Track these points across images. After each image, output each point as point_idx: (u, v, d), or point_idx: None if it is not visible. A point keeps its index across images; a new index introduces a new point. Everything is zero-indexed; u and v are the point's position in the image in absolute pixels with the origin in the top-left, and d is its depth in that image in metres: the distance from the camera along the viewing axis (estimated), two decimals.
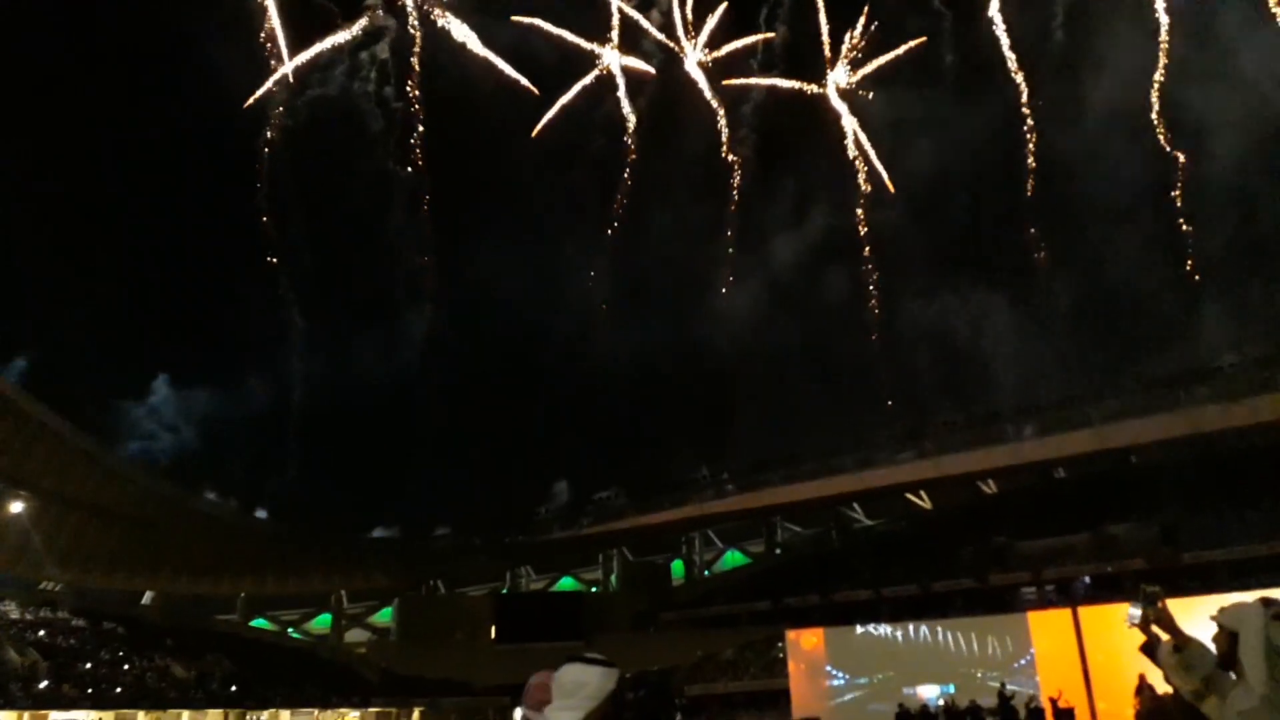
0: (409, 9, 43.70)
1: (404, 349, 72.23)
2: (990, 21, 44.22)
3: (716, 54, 46.97)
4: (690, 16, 46.05)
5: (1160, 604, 3.56)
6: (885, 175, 49.17)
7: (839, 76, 47.45)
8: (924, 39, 47.66)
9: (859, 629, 36.10)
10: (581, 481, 62.54)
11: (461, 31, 43.29)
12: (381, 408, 73.92)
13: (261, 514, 56.44)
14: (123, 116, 62.05)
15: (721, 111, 48.65)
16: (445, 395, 67.43)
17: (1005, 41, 44.69)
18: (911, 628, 34.85)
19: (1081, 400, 45.43)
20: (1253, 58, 42.48)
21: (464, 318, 70.13)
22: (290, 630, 58.66)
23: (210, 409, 72.45)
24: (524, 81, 45.62)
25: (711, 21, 46.07)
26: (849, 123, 48.41)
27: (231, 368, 75.10)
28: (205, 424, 70.07)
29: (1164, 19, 42.20)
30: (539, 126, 47.41)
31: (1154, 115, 43.90)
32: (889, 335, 62.92)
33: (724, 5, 45.90)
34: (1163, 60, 42.66)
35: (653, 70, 46.56)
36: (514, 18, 44.50)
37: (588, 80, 46.17)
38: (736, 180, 51.98)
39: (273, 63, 43.24)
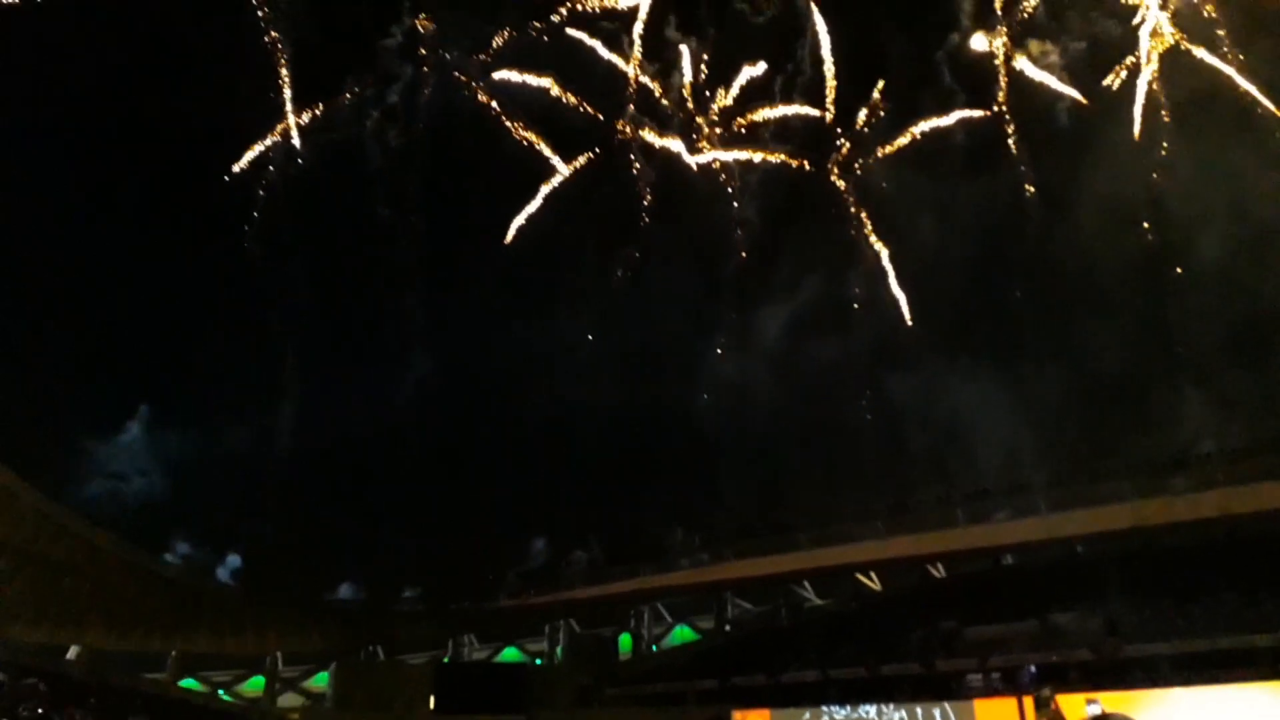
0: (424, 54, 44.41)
1: (390, 401, 72.02)
2: (1000, 104, 45.75)
3: (726, 124, 48.06)
4: (703, 80, 47.10)
5: (1053, 706, 3.69)
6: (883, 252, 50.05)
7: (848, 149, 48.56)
8: (933, 121, 48.85)
9: (806, 712, 35.70)
10: (557, 545, 62.40)
11: (478, 83, 44.10)
12: (361, 460, 73.20)
13: (234, 561, 55.31)
14: (120, 136, 62.09)
15: (725, 175, 49.66)
16: (426, 451, 67.37)
17: (1011, 126, 46.32)
18: (859, 711, 34.56)
19: (1032, 488, 46.16)
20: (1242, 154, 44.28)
21: (452, 374, 70.27)
22: (221, 692, 56.54)
23: (184, 453, 71.25)
24: (545, 151, 46.65)
25: (726, 92, 47.19)
26: (850, 196, 49.47)
27: (209, 412, 73.68)
28: (178, 468, 68.98)
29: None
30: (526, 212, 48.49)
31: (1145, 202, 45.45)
32: (858, 413, 64.17)
33: (742, 77, 46.99)
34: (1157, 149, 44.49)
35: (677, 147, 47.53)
36: (525, 77, 45.33)
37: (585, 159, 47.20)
38: (738, 250, 53.17)
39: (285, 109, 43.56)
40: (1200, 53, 42.01)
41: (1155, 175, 44.64)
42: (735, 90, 47.30)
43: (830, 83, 47.13)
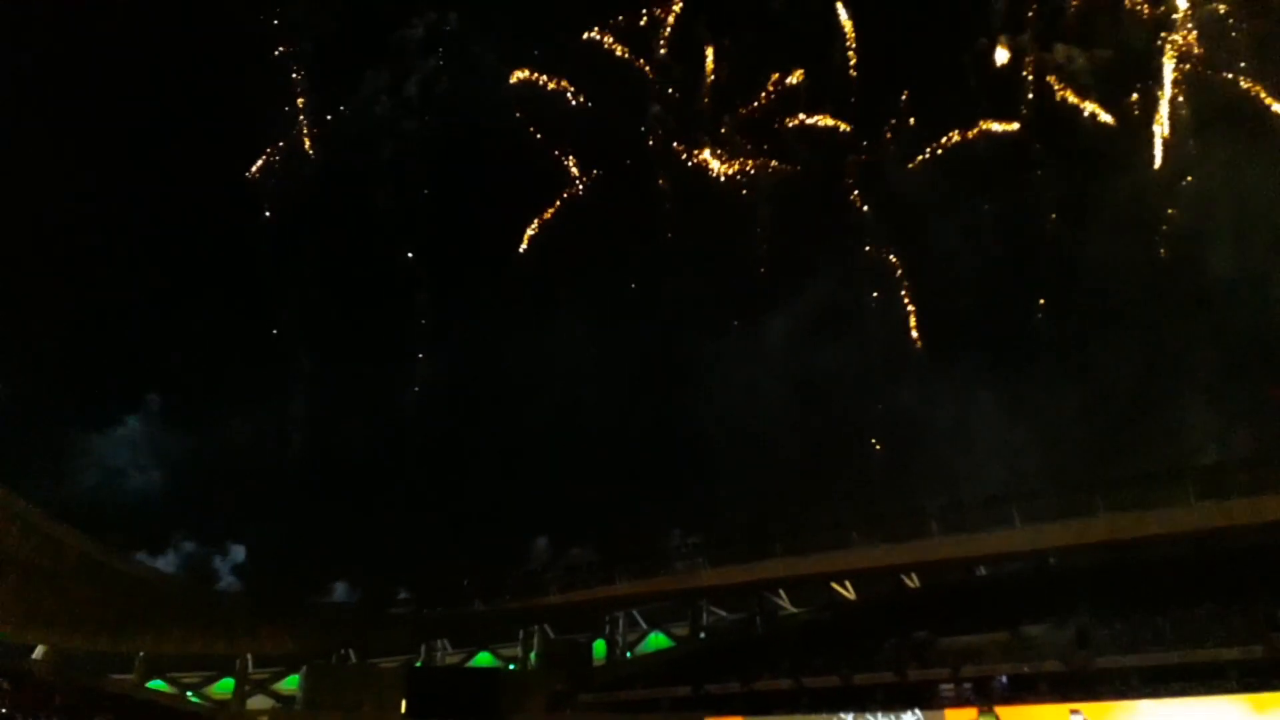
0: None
1: (394, 403, 72.09)
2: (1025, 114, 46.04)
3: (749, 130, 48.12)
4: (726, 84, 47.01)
5: None
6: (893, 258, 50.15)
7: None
8: (957, 134, 49.00)
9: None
10: (537, 549, 62.47)
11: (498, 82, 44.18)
12: (363, 462, 73.15)
13: (238, 554, 54.68)
14: (135, 137, 61.89)
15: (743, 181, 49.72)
16: (428, 453, 67.24)
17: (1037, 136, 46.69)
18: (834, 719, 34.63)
19: (1005, 500, 46.43)
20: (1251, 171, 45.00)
21: (455, 375, 70.34)
22: (189, 694, 55.78)
23: (185, 449, 70.79)
24: (568, 162, 46.69)
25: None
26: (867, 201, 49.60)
27: (212, 408, 73.28)
28: (178, 463, 68.55)
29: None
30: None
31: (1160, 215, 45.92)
32: (837, 424, 64.63)
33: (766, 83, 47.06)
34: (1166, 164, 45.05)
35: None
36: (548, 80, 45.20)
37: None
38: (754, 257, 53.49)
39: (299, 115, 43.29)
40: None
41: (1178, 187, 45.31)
42: (754, 97, 47.52)
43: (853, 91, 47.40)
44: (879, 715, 38.74)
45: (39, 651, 46.36)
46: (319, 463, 70.93)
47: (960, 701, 37.81)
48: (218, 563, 68.77)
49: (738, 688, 45.51)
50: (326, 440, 70.60)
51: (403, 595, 61.50)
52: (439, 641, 58.76)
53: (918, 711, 37.90)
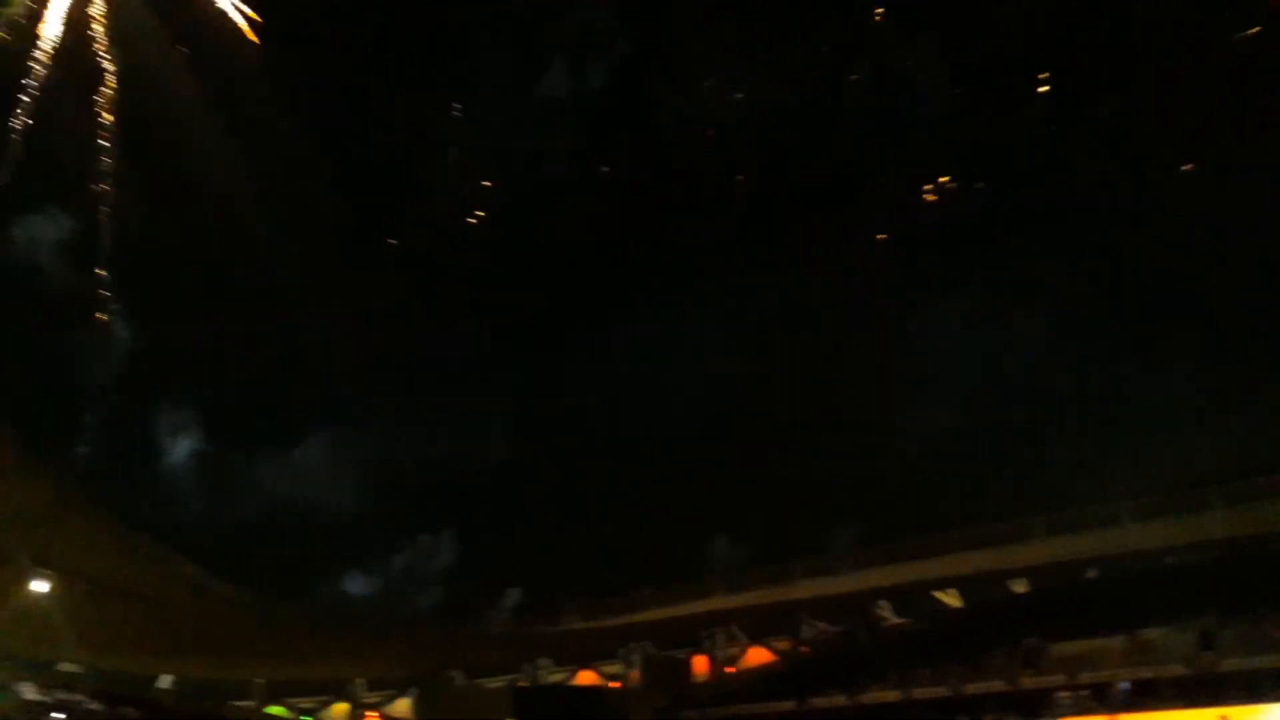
0: None
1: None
2: None
3: None
4: None
5: None
6: None
7: None
8: None
9: None
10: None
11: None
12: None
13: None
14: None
15: None
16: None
17: None
18: None
19: (1114, 498, 44.76)
20: None
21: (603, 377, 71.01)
22: (305, 718, 57.66)
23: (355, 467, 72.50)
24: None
25: None
26: None
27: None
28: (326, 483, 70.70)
29: None
30: None
31: None
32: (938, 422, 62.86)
33: None
34: None
35: None
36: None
37: None
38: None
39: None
40: None
41: None
42: None
43: None
44: None
45: (164, 680, 48.70)
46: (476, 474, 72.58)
47: (1079, 709, 36.36)
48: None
49: (844, 701, 44.73)
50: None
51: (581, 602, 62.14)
52: (541, 660, 59.42)
53: None
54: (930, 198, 52.86)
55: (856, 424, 65.31)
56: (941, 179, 52.04)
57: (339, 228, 63.69)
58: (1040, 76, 47.83)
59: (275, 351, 69.12)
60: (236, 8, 43.52)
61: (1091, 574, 47.46)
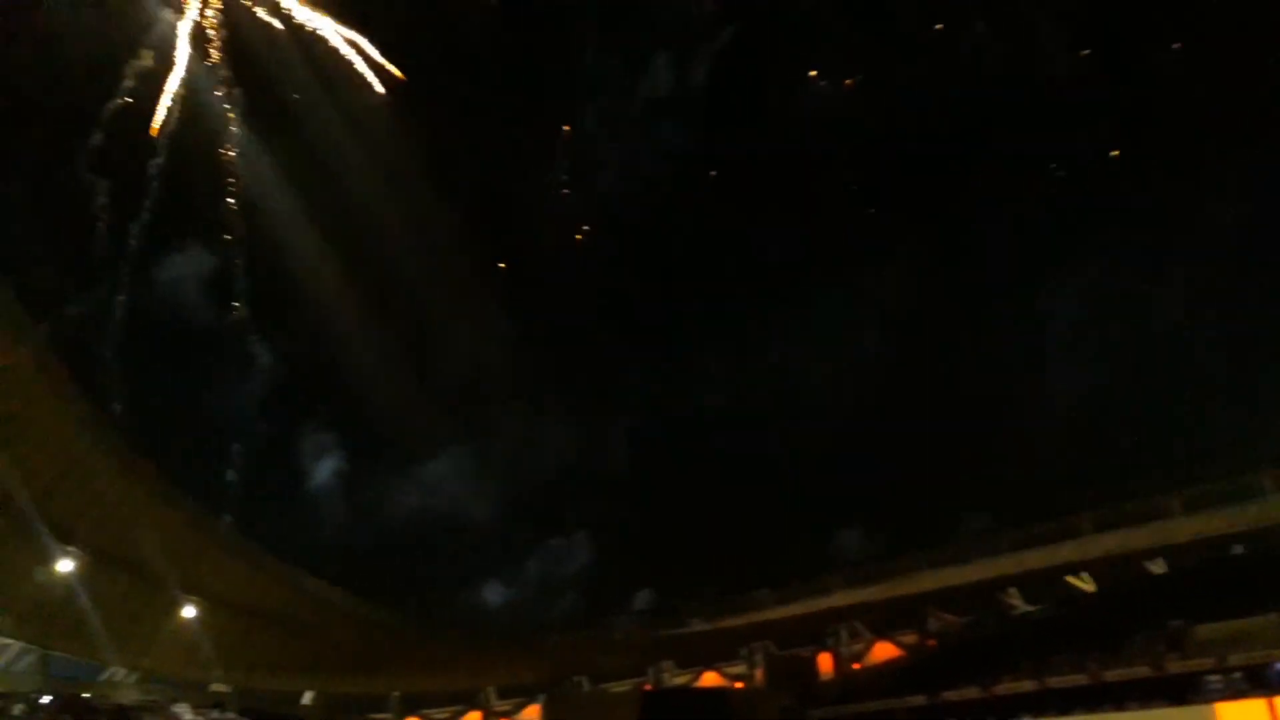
0: None
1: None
2: None
3: None
4: None
5: None
6: None
7: None
8: None
9: None
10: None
11: None
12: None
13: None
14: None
15: None
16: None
17: None
18: None
19: (1255, 469, 42.25)
20: None
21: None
22: None
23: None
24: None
25: None
26: None
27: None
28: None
29: None
30: None
31: None
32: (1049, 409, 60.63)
33: None
34: None
35: None
36: None
37: None
38: None
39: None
40: None
41: None
42: None
43: None
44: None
45: (307, 697, 50.92)
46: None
47: (1234, 693, 34.36)
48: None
49: (976, 693, 43.39)
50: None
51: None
52: (665, 663, 59.68)
53: (1182, 711, 34.75)
54: (1060, 173, 51.33)
55: (982, 409, 63.78)
56: (1067, 151, 50.37)
57: (465, 243, 65.62)
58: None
59: (409, 370, 72.04)
60: (372, 64, 45.84)
61: (1236, 550, 44.92)
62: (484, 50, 62.18)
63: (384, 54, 48.39)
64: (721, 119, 68.94)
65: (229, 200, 51.86)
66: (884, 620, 56.49)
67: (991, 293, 66.27)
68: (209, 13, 45.71)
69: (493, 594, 73.84)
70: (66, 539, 32.50)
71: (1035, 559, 49.48)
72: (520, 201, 70.09)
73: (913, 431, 66.40)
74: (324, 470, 75.28)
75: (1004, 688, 43.01)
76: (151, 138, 47.71)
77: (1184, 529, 43.63)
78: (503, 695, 58.45)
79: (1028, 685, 42.15)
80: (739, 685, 57.52)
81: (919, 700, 45.76)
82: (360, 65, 47.71)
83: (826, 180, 63.62)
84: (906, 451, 65.51)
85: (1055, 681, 41.15)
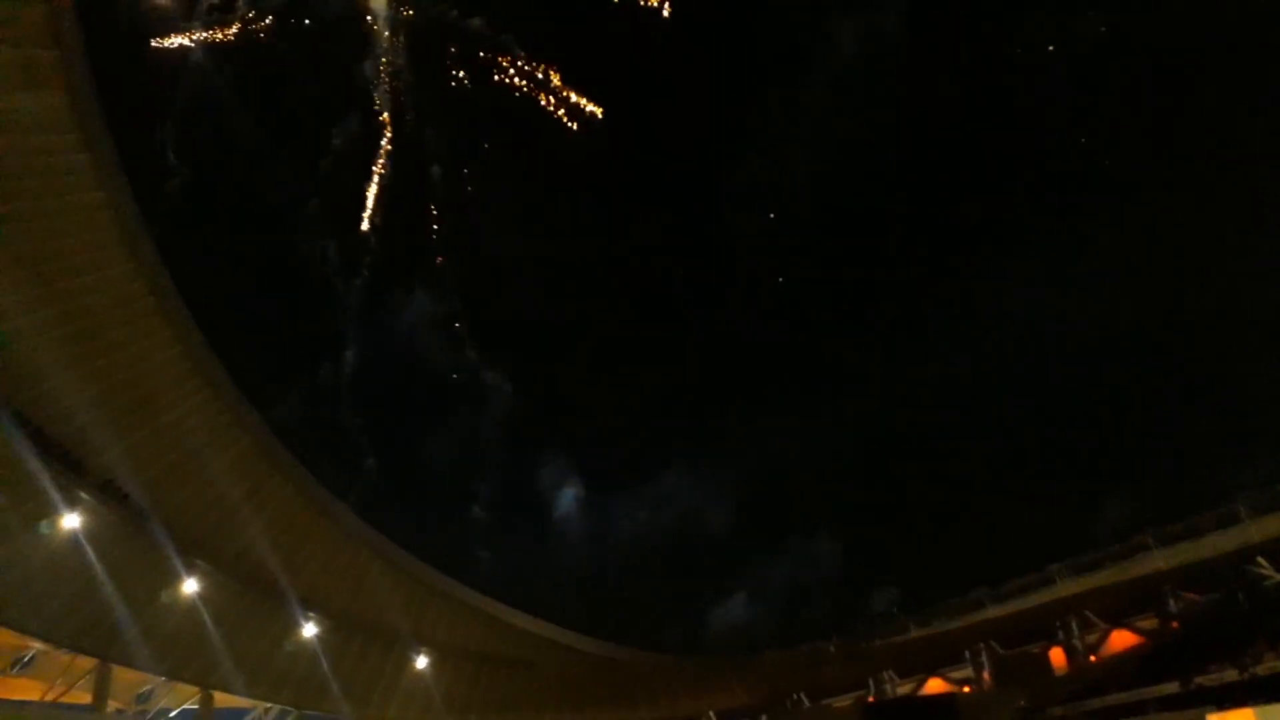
0: None
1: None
2: None
3: None
4: None
5: None
6: None
7: None
8: None
9: None
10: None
11: None
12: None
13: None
14: None
15: None
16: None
17: None
18: None
19: None
20: None
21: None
22: None
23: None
24: None
25: None
26: None
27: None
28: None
29: None
30: None
31: None
32: None
33: None
34: None
35: None
36: None
37: None
38: None
39: None
40: None
41: None
42: None
43: None
44: None
45: None
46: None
47: None
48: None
49: (1235, 675, 39.65)
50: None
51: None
52: (885, 674, 58.03)
53: None
54: None
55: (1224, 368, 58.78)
56: None
57: (671, 242, 66.71)
58: None
59: (629, 383, 73.54)
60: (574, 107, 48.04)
61: None
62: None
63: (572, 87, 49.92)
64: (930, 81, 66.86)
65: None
66: (1118, 607, 52.65)
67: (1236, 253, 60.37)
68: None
69: (734, 609, 73.39)
70: (307, 606, 35.38)
71: None
72: (730, 198, 70.51)
73: (1147, 402, 61.94)
74: (558, 500, 77.71)
75: (1267, 666, 39.13)
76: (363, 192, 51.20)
77: None
78: (724, 717, 58.44)
79: None
80: (966, 690, 55.10)
81: (1171, 688, 42.29)
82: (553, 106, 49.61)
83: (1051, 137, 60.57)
84: (1145, 422, 61.26)
85: None
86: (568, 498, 77.10)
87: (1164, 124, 59.40)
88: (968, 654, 54.77)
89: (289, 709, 40.14)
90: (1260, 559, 47.65)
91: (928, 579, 61.09)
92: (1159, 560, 49.20)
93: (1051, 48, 60.63)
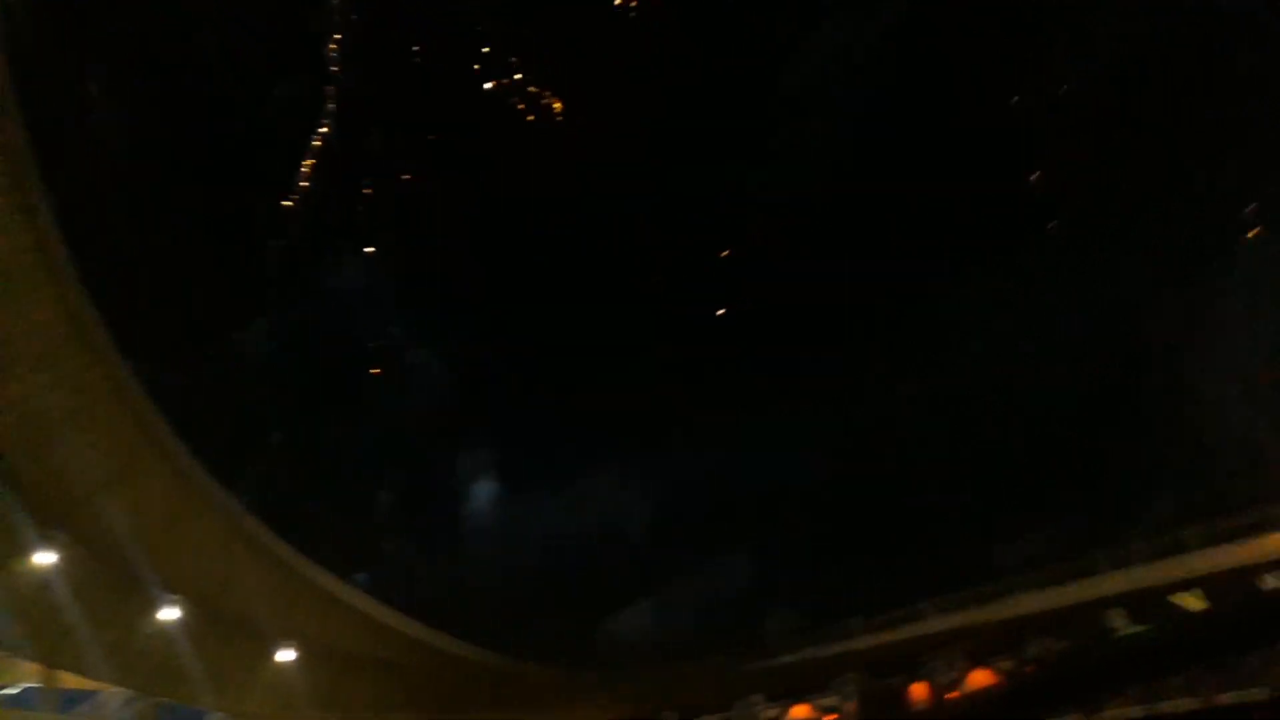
0: None
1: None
2: None
3: None
4: None
5: None
6: None
7: None
8: None
9: None
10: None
11: None
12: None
13: None
14: None
15: None
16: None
17: None
18: None
19: None
20: None
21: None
22: None
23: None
24: None
25: None
26: None
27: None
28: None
29: None
30: None
31: None
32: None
33: None
34: None
35: None
36: None
37: None
38: None
39: None
40: None
41: None
42: None
43: None
44: None
45: None
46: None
47: None
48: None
49: (1081, 719, 41.69)
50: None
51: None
52: (753, 696, 58.84)
53: None
54: None
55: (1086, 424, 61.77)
56: None
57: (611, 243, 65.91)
58: None
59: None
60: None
61: None
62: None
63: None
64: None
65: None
66: (981, 646, 54.77)
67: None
68: None
69: (636, 620, 72.08)
70: (169, 588, 33.72)
71: (1139, 578, 47.60)
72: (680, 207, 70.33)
73: (1009, 450, 64.60)
74: (470, 496, 75.20)
75: (1111, 714, 41.20)
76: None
77: None
78: None
79: (1136, 711, 40.30)
80: (830, 717, 56.33)
81: None
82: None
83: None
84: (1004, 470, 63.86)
85: (1167, 706, 39.27)
86: (481, 494, 75.18)
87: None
88: (836, 682, 56.04)
89: (139, 695, 38.21)
90: (1115, 610, 50.39)
91: (826, 605, 62.00)
92: (1023, 605, 51.42)
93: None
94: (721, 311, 66.82)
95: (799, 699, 58.23)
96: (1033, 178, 64.46)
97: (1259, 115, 53.69)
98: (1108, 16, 59.28)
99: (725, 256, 68.99)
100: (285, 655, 40.58)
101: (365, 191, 60.26)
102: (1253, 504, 44.91)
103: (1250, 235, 57.37)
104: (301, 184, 59.28)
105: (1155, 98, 59.43)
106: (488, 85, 63.11)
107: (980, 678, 54.92)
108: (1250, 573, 44.44)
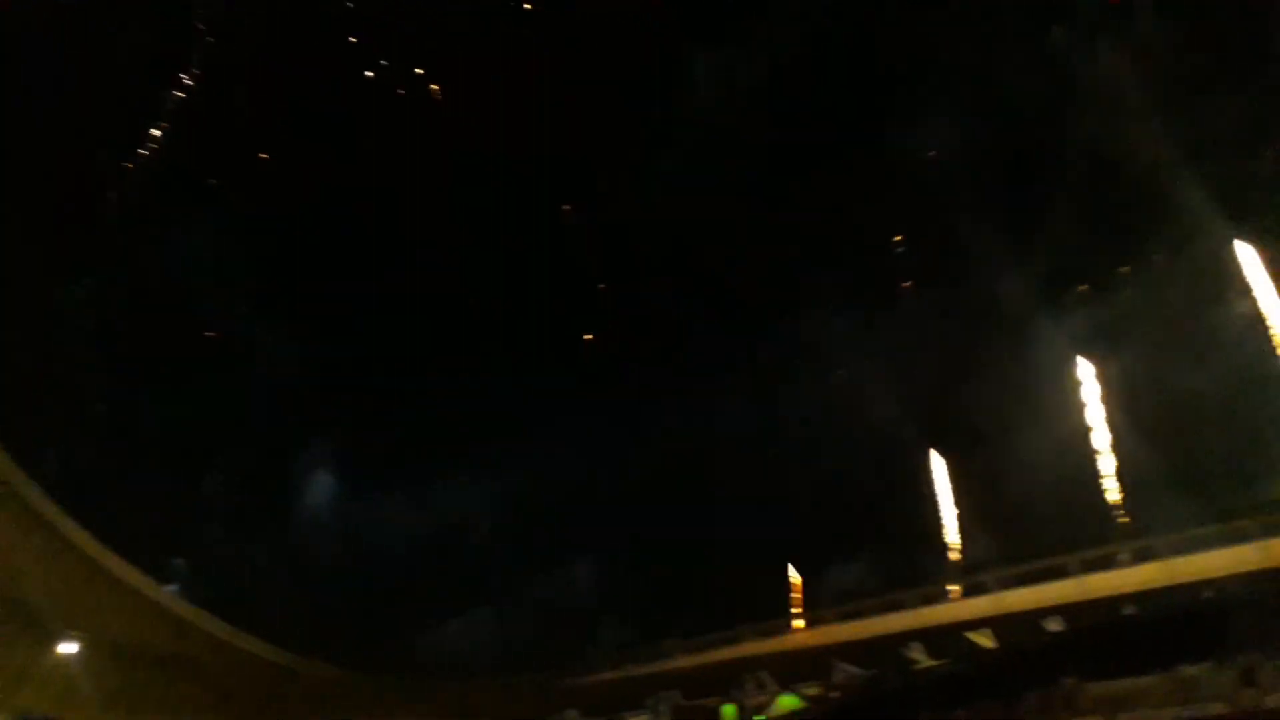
0: None
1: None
2: None
3: None
4: None
5: None
6: None
7: None
8: None
9: None
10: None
11: None
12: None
13: None
14: None
15: None
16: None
17: None
18: None
19: (1149, 532, 44.01)
20: None
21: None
22: None
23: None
24: None
25: None
26: None
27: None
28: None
29: None
30: None
31: None
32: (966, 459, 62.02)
33: None
34: None
35: None
36: None
37: None
38: None
39: None
40: None
41: None
42: None
43: None
44: None
45: None
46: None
47: None
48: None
49: None
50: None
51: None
52: (569, 711, 58.72)
53: None
54: None
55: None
56: None
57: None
58: None
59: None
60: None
61: (1129, 610, 46.57)
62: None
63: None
64: None
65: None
66: (790, 672, 56.69)
67: None
68: None
69: (469, 627, 69.74)
70: None
71: (939, 615, 50.44)
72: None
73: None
74: (308, 488, 70.61)
75: None
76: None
77: (1080, 588, 44.97)
78: None
79: None
80: None
81: None
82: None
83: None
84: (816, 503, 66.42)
85: None
86: (312, 492, 71.08)
87: None
88: (650, 701, 56.65)
89: None
90: (915, 644, 53.26)
91: (653, 624, 62.49)
92: (831, 634, 53.65)
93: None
94: (589, 337, 66.65)
95: (614, 715, 58.56)
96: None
97: None
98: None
99: (586, 265, 68.77)
100: (67, 647, 37.49)
101: (219, 161, 56.40)
102: (1042, 554, 48.36)
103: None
104: (151, 145, 54.83)
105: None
106: (366, 70, 60.96)
107: (788, 702, 57.01)
108: (1036, 615, 47.88)
